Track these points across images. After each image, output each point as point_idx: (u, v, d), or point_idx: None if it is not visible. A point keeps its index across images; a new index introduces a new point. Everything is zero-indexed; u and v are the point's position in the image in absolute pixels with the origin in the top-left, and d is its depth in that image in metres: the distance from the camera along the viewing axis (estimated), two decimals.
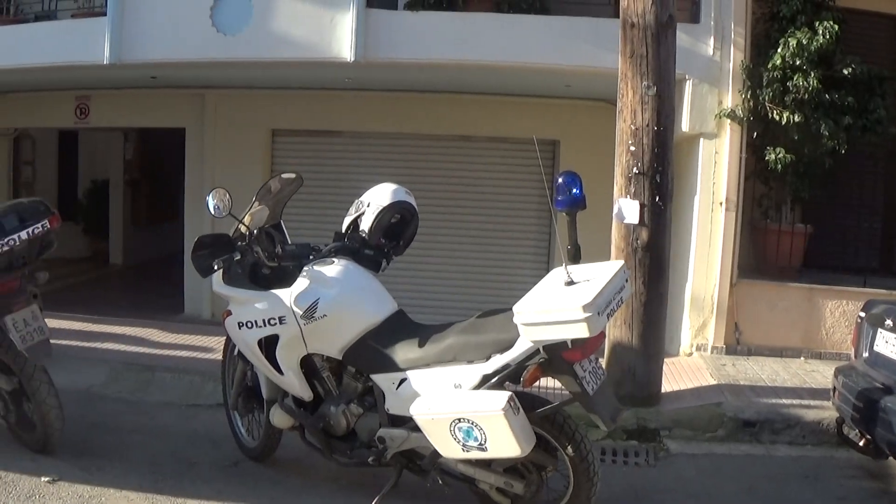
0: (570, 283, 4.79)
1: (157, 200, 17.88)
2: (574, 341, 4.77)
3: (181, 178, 13.84)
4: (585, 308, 4.50)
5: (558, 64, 9.50)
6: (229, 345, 6.71)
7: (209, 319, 12.11)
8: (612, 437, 7.40)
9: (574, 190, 5.34)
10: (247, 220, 6.09)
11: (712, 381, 8.63)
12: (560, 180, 5.40)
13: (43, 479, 6.22)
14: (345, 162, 12.22)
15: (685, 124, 9.47)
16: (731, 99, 9.57)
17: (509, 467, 5.25)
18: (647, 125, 7.64)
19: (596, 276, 4.81)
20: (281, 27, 9.70)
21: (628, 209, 7.68)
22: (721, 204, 9.54)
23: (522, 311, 4.74)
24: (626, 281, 4.99)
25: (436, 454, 5.21)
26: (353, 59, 9.44)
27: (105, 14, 10.12)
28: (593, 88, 10.60)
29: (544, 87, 11.17)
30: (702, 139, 9.60)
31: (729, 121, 9.51)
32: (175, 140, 14.05)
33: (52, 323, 6.78)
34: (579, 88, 10.90)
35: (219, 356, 8.07)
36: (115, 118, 13.84)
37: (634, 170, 7.67)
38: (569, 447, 5.10)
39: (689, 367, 9.25)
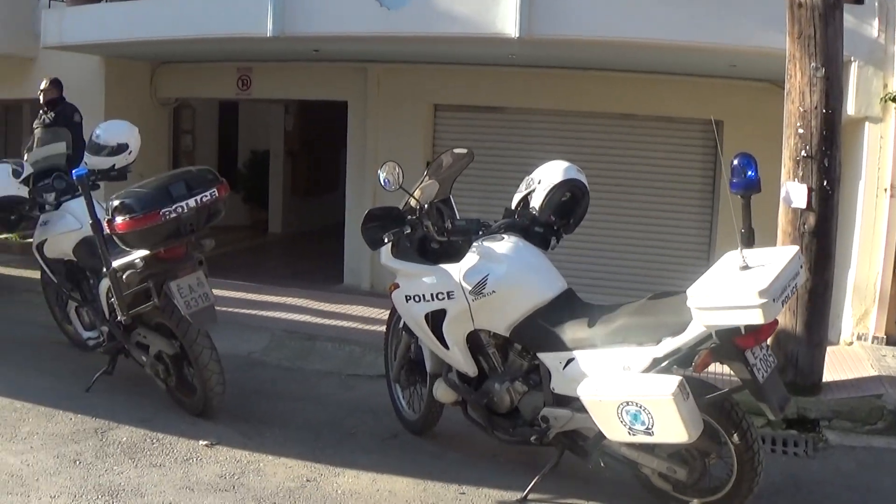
0: (745, 267, 4.68)
1: (317, 171, 18.14)
2: (747, 327, 4.67)
3: (340, 150, 14.03)
4: (761, 294, 4.39)
5: (724, 43, 9.28)
6: (393, 317, 6.77)
7: (368, 290, 12.31)
8: (772, 425, 7.21)
9: (749, 172, 5.25)
10: (417, 193, 6.12)
11: (872, 372, 8.34)
12: (735, 162, 5.31)
13: (201, 442, 6.41)
14: (507, 138, 12.18)
15: (850, 107, 9.13)
16: None
17: (673, 453, 5.17)
18: (816, 107, 7.43)
19: (771, 261, 4.70)
20: (444, 2, 9.68)
21: (796, 193, 7.49)
22: (886, 190, 9.20)
23: (696, 294, 4.65)
24: (801, 267, 4.87)
25: (600, 436, 5.16)
26: (517, 35, 9.37)
27: None
28: (758, 69, 10.34)
29: (708, 66, 10.95)
30: (867, 123, 9.24)
31: (894, 105, 9.17)
32: (335, 113, 14.25)
33: (213, 289, 6.97)
34: (744, 68, 10.64)
35: (379, 327, 8.17)
36: (276, 90, 14.13)
37: (802, 153, 7.47)
38: (735, 435, 4.99)
39: (849, 357, 8.97)
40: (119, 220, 6.40)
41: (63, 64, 13.03)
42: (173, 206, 6.38)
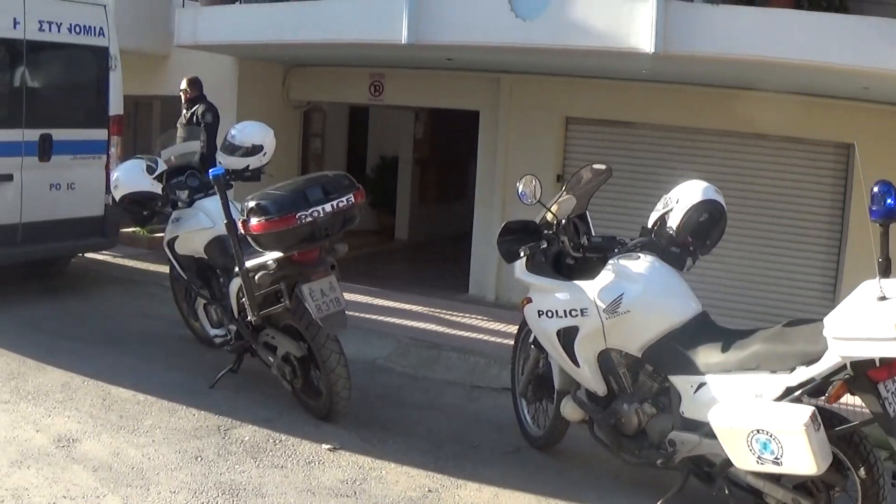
0: (883, 298, 4.56)
1: (445, 180, 18.22)
2: (882, 360, 4.56)
3: (469, 160, 14.06)
4: None
5: (859, 65, 9.08)
6: (522, 331, 6.78)
7: (493, 302, 12.29)
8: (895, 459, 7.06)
9: (888, 200, 5.12)
10: (554, 208, 6.15)
11: None
12: (875, 189, 5.16)
13: (324, 446, 6.50)
14: (638, 154, 12.06)
15: None
16: None
17: (799, 484, 5.07)
18: None
19: None
20: (578, 15, 9.63)
21: None
22: None
23: (834, 324, 4.58)
24: None
25: (727, 463, 5.11)
26: (652, 51, 9.30)
27: None
28: (891, 92, 10.11)
29: (840, 87, 10.70)
30: None
31: None
32: (465, 122, 14.28)
33: None
34: (877, 91, 10.39)
35: (504, 340, 8.21)
36: (408, 97, 14.26)
37: None
38: (861, 469, 4.87)
39: None
40: (254, 221, 6.54)
41: (196, 63, 13.41)
42: (309, 210, 6.49)
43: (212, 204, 7.89)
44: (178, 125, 12.04)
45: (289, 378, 7.04)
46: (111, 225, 11.02)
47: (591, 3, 9.55)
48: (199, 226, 8.04)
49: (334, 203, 6.60)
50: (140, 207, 8.28)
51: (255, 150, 8.26)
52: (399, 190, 17.52)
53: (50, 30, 10.17)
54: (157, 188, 8.12)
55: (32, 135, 10.08)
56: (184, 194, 8.32)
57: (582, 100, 12.46)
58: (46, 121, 10.22)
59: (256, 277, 6.88)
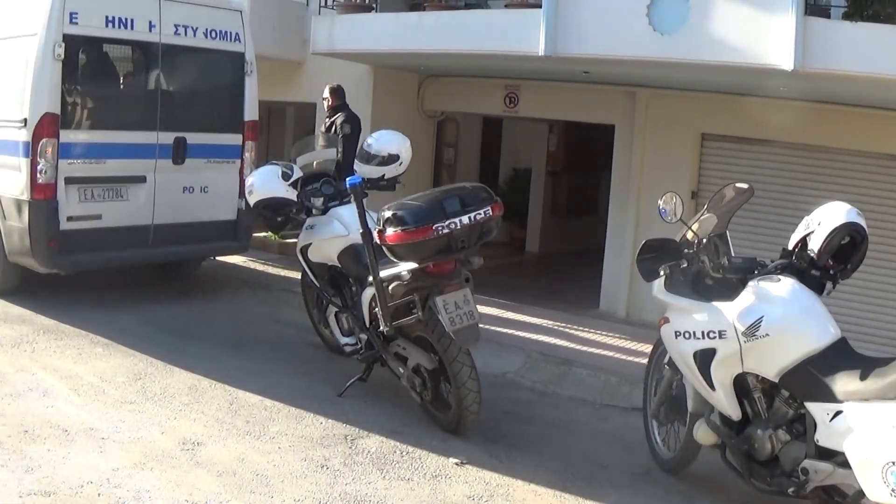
0: None
1: (577, 193, 18.16)
2: None
3: (602, 174, 13.98)
4: None
5: None
6: (657, 351, 6.72)
7: (624, 318, 12.14)
8: None
9: None
10: (695, 227, 6.08)
11: None
12: None
13: (451, 460, 6.48)
14: (775, 173, 11.76)
15: None
16: None
17: None
18: None
19: None
20: (717, 30, 9.47)
21: None
22: None
23: None
24: None
25: (860, 494, 4.95)
26: (791, 68, 9.13)
27: (539, 6, 10.31)
28: None
29: None
30: None
31: None
32: (598, 135, 14.29)
33: None
34: None
35: (635, 358, 8.15)
36: (543, 110, 14.20)
37: None
38: None
39: None
40: (390, 231, 6.58)
41: (332, 70, 13.60)
42: (446, 222, 6.51)
43: (347, 212, 8.00)
44: (319, 132, 12.28)
45: (418, 390, 7.05)
46: (244, 229, 11.27)
47: (730, 18, 9.40)
48: (333, 234, 8.13)
49: (472, 215, 6.61)
50: (274, 213, 8.38)
51: (392, 159, 8.29)
52: (531, 202, 17.47)
53: (185, 34, 10.47)
54: (292, 195, 8.20)
55: (167, 138, 10.40)
56: (318, 201, 8.42)
57: (718, 116, 12.24)
58: (181, 124, 10.53)
59: (390, 288, 6.93)
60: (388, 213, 6.58)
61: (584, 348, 9.79)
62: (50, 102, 9.39)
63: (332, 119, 12.18)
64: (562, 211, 17.85)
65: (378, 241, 6.72)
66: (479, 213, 6.65)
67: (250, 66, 11.08)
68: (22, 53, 9.63)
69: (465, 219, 6.57)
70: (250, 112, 11.19)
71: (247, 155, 11.14)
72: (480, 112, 15.81)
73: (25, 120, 9.47)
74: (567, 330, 10.59)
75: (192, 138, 10.58)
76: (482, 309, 9.82)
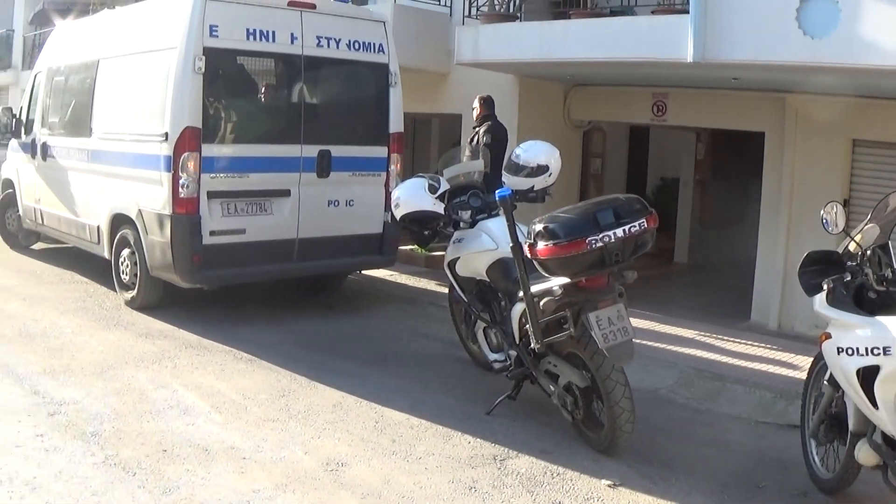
0: None
1: (725, 202, 17.67)
2: None
3: (749, 182, 13.52)
4: None
5: None
6: (816, 367, 6.31)
7: (776, 330, 11.66)
8: None
9: None
10: (858, 238, 5.72)
11: None
12: None
13: (603, 482, 6.24)
14: None
15: None
16: None
17: None
18: None
19: None
20: (869, 32, 8.94)
21: None
22: None
23: None
24: None
25: None
26: None
27: (687, 11, 9.98)
28: None
29: None
30: None
31: None
32: (746, 143, 13.78)
33: None
34: None
35: (790, 373, 7.78)
36: (691, 118, 13.78)
37: None
38: None
39: None
40: (542, 245, 6.35)
41: (477, 81, 13.45)
42: (600, 235, 6.24)
43: (495, 225, 7.81)
44: (465, 143, 12.06)
45: (570, 408, 6.82)
46: (390, 243, 11.15)
47: (882, 20, 8.96)
48: (482, 247, 7.91)
49: (626, 228, 6.32)
50: (421, 227, 8.25)
51: (541, 170, 8.01)
52: (679, 211, 17.02)
53: (328, 45, 10.40)
54: (439, 208, 8.02)
55: (311, 151, 10.33)
56: (466, 214, 8.20)
57: (869, 121, 11.65)
58: (325, 137, 10.46)
59: (541, 303, 6.69)
60: (538, 227, 6.38)
61: (738, 362, 9.41)
62: (191, 116, 9.43)
63: (478, 129, 11.98)
64: (710, 220, 17.35)
65: (529, 256, 6.50)
66: (634, 226, 6.35)
67: (394, 77, 10.96)
68: (161, 67, 9.72)
69: (619, 231, 6.28)
70: (395, 124, 11.07)
71: (392, 167, 11.03)
72: (628, 121, 15.50)
73: (166, 134, 9.50)
74: (719, 343, 10.22)
75: (337, 151, 10.51)
76: (633, 322, 9.64)
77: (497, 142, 11.70)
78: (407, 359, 9.18)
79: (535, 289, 6.74)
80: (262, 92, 10.49)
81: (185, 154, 9.40)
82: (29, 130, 13.30)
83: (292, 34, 10.09)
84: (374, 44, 10.79)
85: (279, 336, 9.67)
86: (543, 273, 6.54)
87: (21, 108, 13.77)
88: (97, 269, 11.99)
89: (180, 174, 9.41)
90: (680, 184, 17.25)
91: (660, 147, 18.10)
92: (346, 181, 10.68)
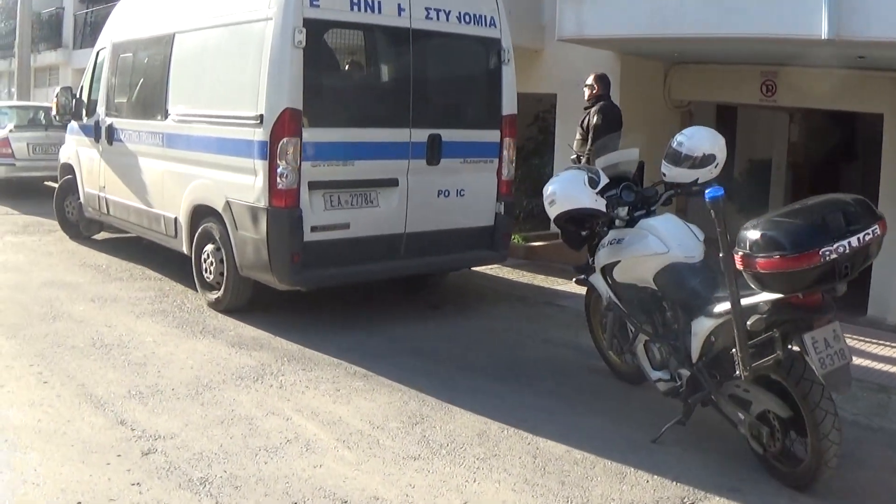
0: None
1: (820, 186, 16.23)
2: None
3: (845, 166, 12.21)
4: None
5: None
6: None
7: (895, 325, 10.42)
8: None
9: None
10: None
11: None
12: None
13: None
14: None
15: None
16: None
17: None
18: None
19: None
20: None
21: None
22: None
23: None
24: None
25: None
26: None
27: None
28: None
29: None
30: None
31: None
32: (842, 124, 12.96)
33: None
34: None
35: None
36: (803, 98, 12.30)
37: None
38: None
39: None
40: (762, 257, 5.14)
41: (572, 58, 12.11)
42: (834, 246, 4.99)
43: (663, 225, 6.54)
44: (579, 126, 10.78)
45: (764, 440, 5.64)
46: (502, 236, 9.68)
47: None
48: (648, 250, 6.52)
49: (860, 236, 5.06)
50: (578, 227, 6.93)
51: (706, 160, 6.70)
52: (772, 196, 15.45)
53: (437, 18, 8.90)
54: (602, 205, 6.65)
55: (420, 135, 8.83)
56: (623, 211, 6.85)
57: None
58: (435, 120, 8.97)
59: (749, 323, 5.39)
60: (755, 235, 5.26)
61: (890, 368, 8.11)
62: (291, 97, 7.91)
63: (589, 109, 10.59)
64: None
65: (741, 267, 5.30)
66: (868, 233, 5.10)
67: (507, 53, 9.47)
68: (252, 41, 8.24)
69: (853, 241, 5.03)
70: (509, 105, 9.56)
71: (505, 153, 9.54)
72: (733, 101, 14.02)
73: (261, 117, 8.02)
74: (855, 345, 8.75)
75: (448, 135, 9.02)
76: None
77: (607, 124, 10.32)
78: (538, 370, 7.77)
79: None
80: (367, 69, 9.01)
81: (284, 140, 7.90)
82: (91, 112, 11.77)
83: (399, 5, 8.57)
84: (485, 17, 9.30)
85: (387, 343, 8.27)
86: (755, 287, 5.37)
87: (81, 87, 12.25)
88: (170, 263, 10.64)
89: (278, 162, 7.94)
90: (772, 166, 15.73)
91: (748, 128, 16.47)
92: (456, 169, 9.20)
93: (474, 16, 9.16)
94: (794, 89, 12.05)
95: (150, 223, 10.19)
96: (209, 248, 8.99)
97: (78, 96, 12.16)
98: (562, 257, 11.57)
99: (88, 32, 25.13)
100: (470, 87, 9.62)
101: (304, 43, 7.86)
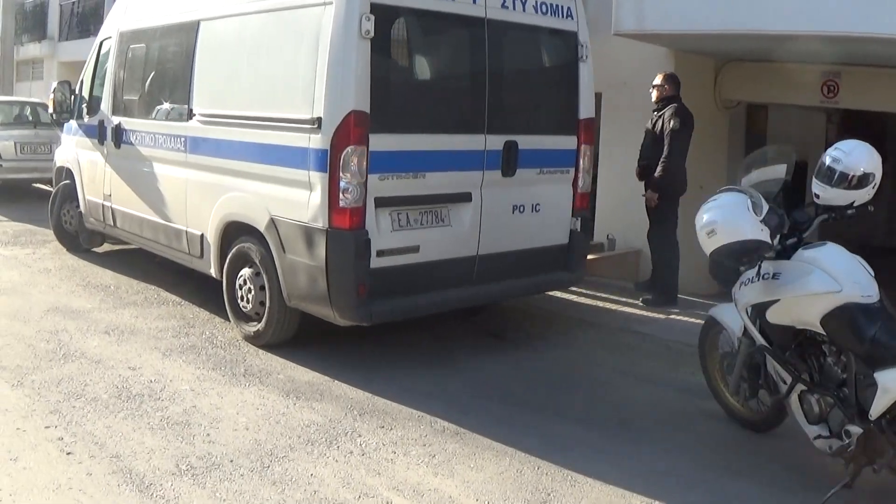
0: None
1: None
2: None
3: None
4: None
5: None
6: None
7: None
8: None
9: None
10: None
11: None
12: None
13: None
14: None
15: None
16: None
17: None
18: None
19: None
20: None
21: None
22: None
23: None
24: None
25: None
26: None
27: None
28: None
29: None
30: None
31: None
32: (879, 123, 11.92)
33: None
34: None
35: None
36: (867, 100, 10.91)
37: None
38: None
39: None
40: None
41: (621, 54, 10.48)
42: None
43: (831, 258, 5.24)
44: (645, 130, 9.37)
45: None
46: (579, 255, 8.15)
47: None
48: (814, 288, 5.14)
49: None
50: (737, 262, 5.51)
51: (864, 180, 5.38)
52: (808, 199, 14.01)
53: (513, 7, 7.29)
54: (766, 235, 5.22)
55: (496, 142, 7.23)
56: (775, 240, 5.37)
57: None
58: (511, 124, 7.37)
59: None
60: None
61: None
62: (358, 97, 6.28)
63: (661, 112, 9.17)
64: None
65: None
66: None
67: (585, 49, 7.89)
68: (304, 30, 6.64)
69: None
70: (586, 108, 7.99)
71: (582, 162, 7.99)
72: (789, 102, 12.46)
73: (318, 120, 6.40)
74: None
75: (524, 142, 7.42)
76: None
77: (687, 129, 9.03)
78: (645, 418, 6.30)
79: None
80: (439, 65, 7.37)
81: (349, 148, 6.28)
82: (94, 110, 9.96)
83: None
84: (561, 6, 7.70)
85: (468, 388, 6.68)
86: None
87: (81, 82, 10.41)
88: (186, 282, 9.04)
89: (341, 175, 6.31)
90: (808, 169, 14.18)
91: (779, 128, 14.93)
92: (532, 180, 7.61)
93: (551, 5, 7.59)
94: (857, 91, 10.64)
95: (169, 240, 8.47)
96: (246, 272, 7.32)
97: (77, 92, 10.33)
98: (613, 273, 10.09)
99: (75, 23, 22.97)
100: (546, 86, 8.01)
101: (371, 32, 6.25)
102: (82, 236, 10.57)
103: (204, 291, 8.49)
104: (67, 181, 10.64)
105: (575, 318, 8.80)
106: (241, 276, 7.35)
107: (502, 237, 7.39)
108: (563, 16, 7.67)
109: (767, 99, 11.85)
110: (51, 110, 10.49)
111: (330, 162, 6.31)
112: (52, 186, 14.47)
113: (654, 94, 9.25)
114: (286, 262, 6.79)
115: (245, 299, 7.34)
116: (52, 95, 10.29)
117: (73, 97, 10.29)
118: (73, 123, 10.44)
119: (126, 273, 9.82)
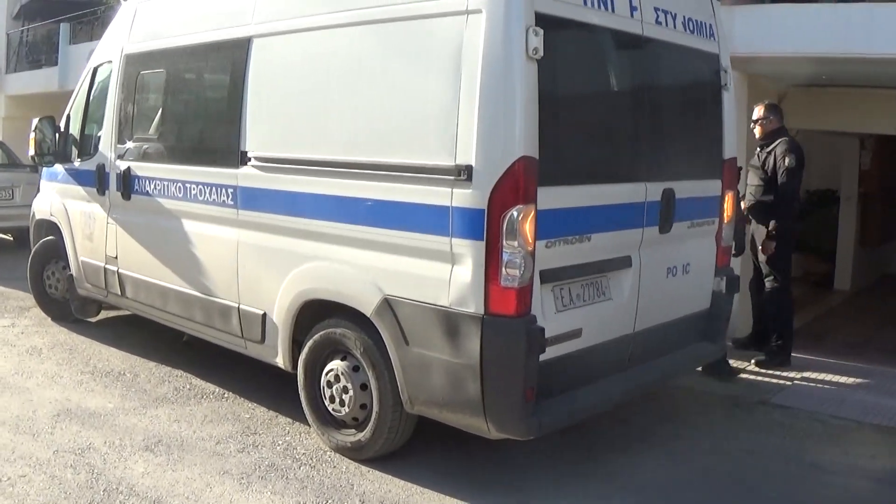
0: None
1: (888, 216, 13.35)
2: None
3: None
4: None
5: None
6: None
7: None
8: None
9: None
10: None
11: None
12: None
13: None
14: None
15: None
16: None
17: None
18: None
19: None
20: None
21: None
22: None
23: None
24: None
25: None
26: None
27: None
28: None
29: None
30: None
31: None
32: None
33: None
34: None
35: None
36: None
37: None
38: None
39: None
40: None
41: None
42: None
43: None
44: (748, 167, 7.74)
45: None
46: (722, 323, 6.33)
47: None
48: None
49: None
50: None
51: None
52: (841, 230, 12.43)
53: (666, 23, 5.53)
54: None
55: (655, 192, 5.45)
56: None
57: None
58: (668, 169, 5.58)
59: None
60: None
61: None
62: (526, 139, 4.41)
63: (770, 149, 7.59)
64: (872, 238, 12.89)
65: None
66: None
67: (728, 75, 6.16)
68: (437, 47, 4.72)
69: None
70: (730, 146, 6.25)
71: (726, 210, 6.23)
72: (863, 130, 11.01)
73: (467, 169, 4.49)
74: None
75: (679, 190, 5.64)
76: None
77: (801, 166, 7.56)
78: (745, 477, 5.26)
79: None
80: (602, 94, 5.44)
81: (518, 208, 4.39)
82: (88, 152, 7.74)
83: (631, 2, 5.21)
84: (705, 24, 5.95)
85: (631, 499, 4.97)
86: None
87: (68, 118, 8.16)
88: (221, 363, 6.99)
89: (505, 243, 4.40)
90: (841, 198, 12.67)
91: (812, 154, 13.46)
92: (684, 235, 5.81)
93: (696, 22, 5.85)
94: None
95: (209, 318, 6.37)
96: (339, 366, 5.34)
97: (63, 130, 8.10)
98: None
99: (25, 53, 20.22)
100: (693, 120, 6.19)
101: (541, 52, 4.38)
102: (74, 305, 8.27)
103: (247, 376, 6.53)
104: (49, 237, 8.40)
105: (703, 392, 6.96)
106: (331, 370, 5.37)
107: (657, 307, 5.62)
108: (706, 35, 5.94)
109: (836, 127, 10.46)
110: (31, 152, 8.14)
111: (488, 226, 4.43)
112: (12, 238, 12.19)
113: (758, 131, 7.72)
114: (410, 358, 4.86)
115: (337, 400, 5.36)
116: (32, 135, 8.01)
117: (56, 136, 8.03)
118: (57, 168, 8.17)
119: (138, 353, 7.56)
